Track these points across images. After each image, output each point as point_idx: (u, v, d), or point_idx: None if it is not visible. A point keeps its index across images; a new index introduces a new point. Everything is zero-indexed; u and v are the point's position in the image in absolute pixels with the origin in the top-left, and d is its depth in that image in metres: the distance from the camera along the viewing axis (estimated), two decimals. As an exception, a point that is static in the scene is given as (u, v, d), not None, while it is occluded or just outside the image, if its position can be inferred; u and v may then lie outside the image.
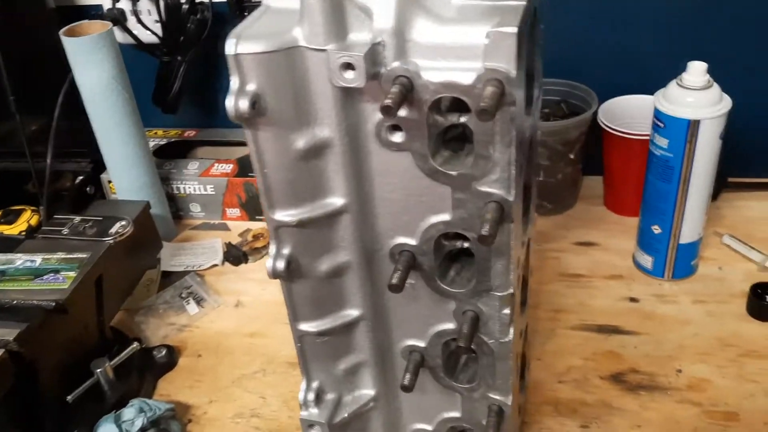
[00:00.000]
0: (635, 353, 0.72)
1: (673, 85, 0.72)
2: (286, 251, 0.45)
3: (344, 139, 0.42)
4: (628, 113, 0.87)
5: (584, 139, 0.89)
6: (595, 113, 0.87)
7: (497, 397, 0.51)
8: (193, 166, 0.98)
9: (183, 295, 0.85)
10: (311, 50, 0.39)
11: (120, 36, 0.96)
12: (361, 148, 0.43)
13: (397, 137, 0.42)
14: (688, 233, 0.77)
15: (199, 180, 0.96)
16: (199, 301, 0.85)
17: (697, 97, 0.70)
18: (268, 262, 0.45)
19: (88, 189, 0.99)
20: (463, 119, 0.42)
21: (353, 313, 0.49)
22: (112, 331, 0.76)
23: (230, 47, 0.38)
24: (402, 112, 0.40)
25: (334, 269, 0.47)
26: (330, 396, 0.53)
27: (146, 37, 0.95)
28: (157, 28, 0.93)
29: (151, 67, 0.98)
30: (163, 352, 0.76)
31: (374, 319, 0.50)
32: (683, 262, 0.79)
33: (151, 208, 0.84)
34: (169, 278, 0.89)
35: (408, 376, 0.50)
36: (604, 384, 0.69)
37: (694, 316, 0.75)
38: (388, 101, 0.37)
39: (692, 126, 0.70)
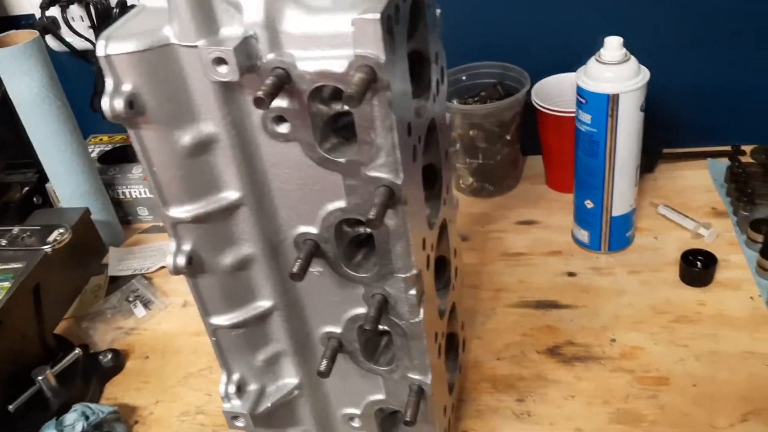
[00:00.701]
0: (571, 326, 0.73)
1: (592, 62, 0.73)
2: (186, 247, 0.46)
3: (231, 133, 0.42)
4: (559, 92, 0.88)
5: (519, 119, 0.90)
6: (530, 93, 0.88)
7: (416, 377, 0.52)
8: (137, 170, 0.98)
9: (130, 299, 0.86)
10: (183, 47, 0.39)
11: (55, 44, 0.96)
12: (250, 140, 0.43)
13: (283, 128, 0.42)
14: (619, 206, 0.78)
15: (144, 183, 0.96)
16: (146, 304, 0.85)
17: (615, 71, 0.71)
18: (168, 258, 0.45)
19: (35, 199, 0.99)
20: (346, 107, 0.43)
21: (265, 304, 0.50)
22: (55, 339, 0.77)
23: (100, 49, 0.38)
24: (283, 103, 0.41)
25: (238, 262, 0.47)
26: (252, 387, 0.53)
27: (80, 43, 0.94)
28: (90, 35, 0.93)
29: (89, 73, 0.98)
30: (109, 357, 0.76)
31: (288, 308, 0.51)
32: (618, 235, 0.80)
33: (92, 214, 0.84)
34: (117, 283, 0.89)
35: (324, 362, 0.50)
36: (540, 358, 0.71)
37: (629, 286, 0.77)
38: (259, 93, 0.37)
39: (612, 100, 0.71)
